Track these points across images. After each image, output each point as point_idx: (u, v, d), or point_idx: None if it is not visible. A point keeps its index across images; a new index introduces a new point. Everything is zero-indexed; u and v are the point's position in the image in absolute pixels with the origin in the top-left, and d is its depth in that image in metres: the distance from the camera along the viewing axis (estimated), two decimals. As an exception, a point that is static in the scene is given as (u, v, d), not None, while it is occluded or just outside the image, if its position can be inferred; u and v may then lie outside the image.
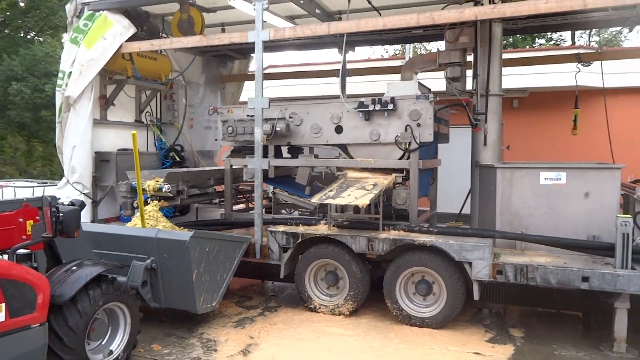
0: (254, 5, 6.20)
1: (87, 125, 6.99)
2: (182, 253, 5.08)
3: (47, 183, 10.51)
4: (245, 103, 6.52)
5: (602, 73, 7.60)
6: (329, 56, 19.78)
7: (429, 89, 6.82)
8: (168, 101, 8.75)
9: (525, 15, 5.55)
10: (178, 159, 8.39)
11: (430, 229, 5.80)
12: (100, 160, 7.37)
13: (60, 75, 7.06)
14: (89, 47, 6.88)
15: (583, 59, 7.64)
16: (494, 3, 6.35)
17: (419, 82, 6.59)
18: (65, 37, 7.65)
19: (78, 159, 6.98)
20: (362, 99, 6.34)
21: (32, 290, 3.67)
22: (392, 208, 6.46)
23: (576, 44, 9.77)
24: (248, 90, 10.59)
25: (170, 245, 5.14)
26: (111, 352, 4.37)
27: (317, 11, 7.88)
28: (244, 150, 7.26)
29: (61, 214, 3.91)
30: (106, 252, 5.17)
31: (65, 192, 6.94)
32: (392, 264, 5.72)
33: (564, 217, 5.59)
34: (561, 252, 5.45)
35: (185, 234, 5.12)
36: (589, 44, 9.85)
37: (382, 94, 6.43)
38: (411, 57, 10.60)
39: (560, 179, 5.62)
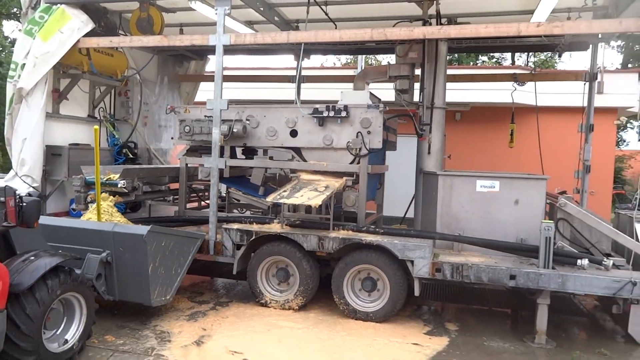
0: (216, 10, 6.41)
1: (39, 119, 6.92)
2: (138, 247, 5.21)
3: (-10, 175, 10.14)
4: (201, 103, 6.71)
5: (535, 92, 8.36)
6: (283, 61, 20.07)
7: (379, 99, 7.28)
8: (122, 98, 8.75)
9: (468, 37, 6.09)
10: (131, 156, 8.42)
11: (377, 230, 6.21)
12: (52, 154, 7.31)
13: (12, 66, 6.96)
14: (45, 40, 6.83)
15: (519, 79, 8.36)
16: (441, 24, 6.91)
17: (370, 92, 7.03)
18: (19, 28, 7.52)
19: (28, 151, 6.89)
20: (317, 106, 6.69)
21: (-11, 277, 3.73)
22: (342, 210, 6.82)
23: (515, 64, 10.62)
24: (203, 91, 10.76)
25: (127, 239, 5.25)
26: (66, 341, 4.45)
27: (276, 19, 8.18)
28: (199, 149, 7.42)
29: (24, 204, 3.98)
30: (61, 245, 5.20)
31: (13, 184, 6.79)
32: (340, 262, 6.08)
33: (497, 221, 6.15)
34: (494, 253, 6.00)
35: (143, 228, 5.26)
36: (527, 65, 10.71)
37: (335, 101, 6.81)
38: (363, 67, 11.08)
39: (494, 187, 6.19)
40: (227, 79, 9.35)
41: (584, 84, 7.99)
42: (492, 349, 5.31)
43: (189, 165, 7.41)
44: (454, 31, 5.59)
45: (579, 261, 5.49)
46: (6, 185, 3.91)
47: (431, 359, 4.95)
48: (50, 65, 6.86)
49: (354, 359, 4.85)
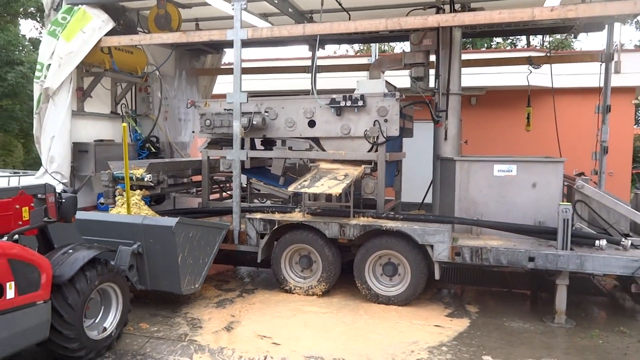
0: (233, 5, 6.54)
1: (65, 117, 7.17)
2: (168, 238, 5.44)
3: (19, 173, 10.49)
4: (219, 96, 6.87)
5: (551, 74, 8.35)
6: (297, 51, 20.12)
7: (395, 87, 7.37)
8: (143, 93, 8.95)
9: (482, 23, 6.13)
10: (154, 150, 8.64)
11: (396, 216, 6.35)
12: (79, 150, 7.56)
13: (38, 67, 7.20)
14: (68, 40, 7.05)
15: (534, 62, 8.36)
16: (454, 10, 6.95)
17: (386, 81, 7.13)
18: (36, 27, 7.74)
19: (57, 149, 7.15)
20: (334, 96, 6.81)
21: (36, 270, 3.97)
22: (361, 197, 6.97)
23: (530, 45, 10.55)
24: (220, 84, 10.93)
25: (157, 231, 5.48)
26: (105, 329, 4.70)
27: (290, 10, 8.27)
28: (220, 142, 7.61)
29: (63, 200, 4.21)
30: (94, 238, 5.44)
31: (44, 181, 7.10)
32: (361, 248, 6.24)
33: (514, 204, 6.24)
34: (512, 236, 6.10)
35: (171, 220, 5.47)
36: (542, 46, 10.64)
37: (350, 90, 6.91)
38: (377, 55, 11.13)
39: (511, 171, 6.27)
40: (243, 71, 9.56)
41: (600, 64, 7.95)
42: (512, 329, 5.45)
43: (210, 158, 7.61)
44: (467, 18, 5.65)
45: (597, 242, 5.58)
46: (46, 183, 4.13)
47: (453, 340, 5.11)
48: (74, 64, 7.08)
49: (377, 341, 5.03)
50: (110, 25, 7.28)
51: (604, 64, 7.86)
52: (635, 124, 14.66)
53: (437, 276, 5.94)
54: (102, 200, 7.29)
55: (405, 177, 8.36)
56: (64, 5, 7.27)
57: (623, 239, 5.65)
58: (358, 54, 18.25)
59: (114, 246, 5.29)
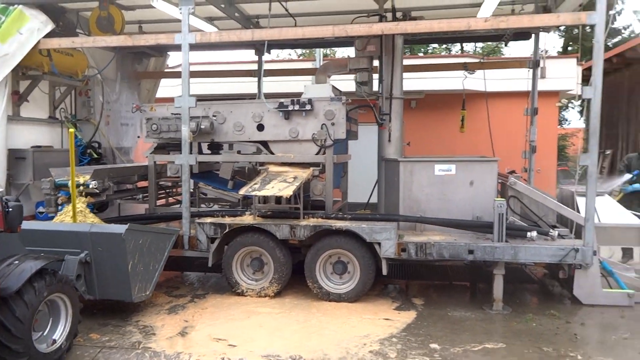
0: (180, 9, 6.52)
1: (0, 122, 6.87)
2: (118, 245, 5.36)
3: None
4: (163, 100, 6.82)
5: (484, 79, 8.91)
6: (241, 55, 20.06)
7: (340, 91, 7.62)
8: (83, 97, 8.70)
9: (423, 32, 6.49)
10: (96, 156, 8.42)
11: (345, 216, 6.58)
12: (15, 157, 7.25)
13: (-30, 70, 6.84)
14: (3, 42, 6.76)
15: (469, 68, 8.89)
16: (396, 18, 7.29)
17: (332, 85, 7.35)
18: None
19: (-9, 156, 6.85)
20: (282, 100, 6.94)
21: (-19, 282, 3.84)
22: (310, 199, 7.14)
23: (464, 51, 11.16)
24: (164, 87, 10.79)
25: (106, 239, 5.38)
26: (55, 341, 4.57)
27: (237, 15, 8.34)
28: (167, 146, 7.54)
29: (10, 209, 4.08)
30: (39, 248, 5.27)
31: None
32: (312, 248, 6.41)
33: (454, 201, 6.64)
34: (452, 231, 6.49)
35: (121, 227, 5.40)
36: (475, 52, 11.29)
37: (295, 94, 7.07)
38: (321, 59, 11.38)
39: (451, 170, 6.67)
40: (190, 74, 9.53)
41: (528, 70, 8.58)
42: (455, 318, 5.80)
43: (157, 163, 7.52)
44: (410, 27, 5.97)
45: (528, 233, 6.06)
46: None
47: (402, 331, 5.38)
48: (10, 67, 6.80)
49: (331, 336, 5.21)
50: (49, 26, 7.05)
51: (531, 70, 8.49)
52: (559, 125, 15.80)
53: (384, 272, 6.21)
54: (41, 209, 7.02)
55: (351, 178, 8.62)
56: (-3, 5, 6.96)
57: (551, 230, 6.17)
58: (300, 57, 18.47)
59: (61, 256, 5.16)
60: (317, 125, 6.91)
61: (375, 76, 7.77)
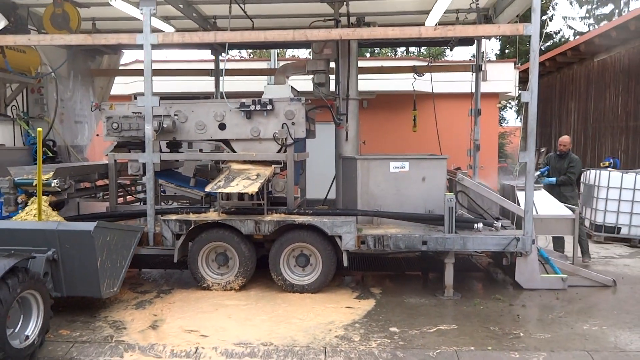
0: (142, 10, 6.59)
1: (-49, 120, 6.70)
2: (86, 242, 5.41)
3: None
4: (117, 98, 6.86)
5: (431, 82, 9.50)
6: (196, 53, 19.80)
7: (298, 92, 7.92)
8: (36, 95, 8.52)
9: (378, 38, 6.91)
10: (50, 154, 8.29)
11: (307, 211, 6.91)
12: (-33, 156, 7.07)
13: None
14: (-46, 38, 6.59)
15: (418, 70, 9.44)
16: (351, 23, 7.68)
17: (291, 86, 7.65)
18: None
19: (-60, 155, 6.65)
20: (244, 100, 7.16)
21: (-42, 281, 3.86)
22: (271, 195, 7.40)
23: (410, 55, 11.76)
24: (117, 84, 10.68)
25: (74, 236, 5.43)
26: (27, 337, 4.62)
27: (194, 15, 8.45)
28: (128, 145, 7.57)
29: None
30: (4, 247, 5.25)
31: None
32: (275, 243, 6.69)
33: (408, 196, 7.11)
34: (407, 224, 6.96)
35: (89, 224, 5.45)
36: (419, 55, 11.92)
37: (253, 93, 7.29)
38: (276, 59, 11.63)
39: (404, 167, 7.14)
40: (158, 73, 9.56)
41: (472, 73, 9.24)
42: (411, 304, 6.27)
43: (117, 161, 7.53)
44: (366, 33, 6.39)
45: (475, 225, 6.63)
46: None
47: (363, 317, 5.77)
48: (-39, 64, 6.63)
49: (298, 324, 5.52)
50: (2, 22, 6.93)
51: (474, 74, 9.15)
52: (499, 124, 16.84)
53: (345, 263, 6.59)
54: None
55: (308, 176, 8.95)
56: (-54, 0, 6.75)
57: (495, 222, 6.77)
58: (251, 56, 18.58)
59: (31, 253, 5.16)
60: (277, 125, 7.17)
61: (332, 77, 8.15)
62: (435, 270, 7.54)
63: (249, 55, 19.67)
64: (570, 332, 5.37)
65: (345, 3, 7.62)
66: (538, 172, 7.99)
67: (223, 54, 9.55)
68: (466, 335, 5.27)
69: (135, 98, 12.00)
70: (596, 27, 26.33)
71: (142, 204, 8.55)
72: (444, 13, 7.92)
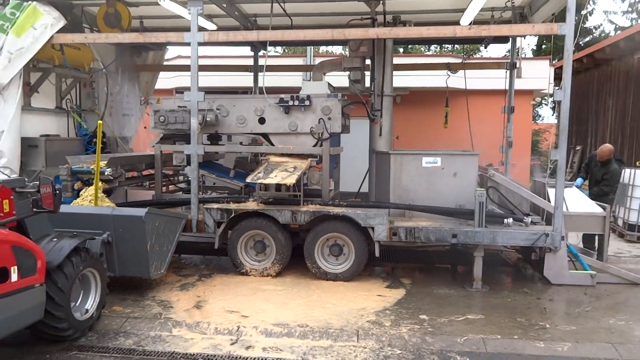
0: (189, 10, 6.99)
1: (16, 112, 7.26)
2: (138, 227, 5.88)
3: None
4: (161, 92, 7.25)
5: (465, 78, 9.62)
6: (234, 50, 20.18)
7: (334, 88, 8.20)
8: (88, 89, 9.08)
9: (414, 37, 7.12)
10: (101, 145, 8.81)
11: (342, 203, 7.21)
12: (28, 145, 7.64)
13: (-15, 61, 7.19)
14: (18, 36, 7.12)
15: (452, 67, 9.58)
16: (387, 21, 7.90)
17: (328, 82, 7.94)
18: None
19: (6, 144, 7.22)
20: (282, 96, 7.50)
21: (33, 256, 4.34)
22: (306, 187, 7.72)
23: (444, 51, 11.86)
24: (161, 79, 11.20)
25: (127, 221, 5.90)
26: (87, 311, 5.10)
27: (236, 13, 8.82)
28: (173, 137, 8.03)
29: (57, 192, 4.57)
30: (64, 229, 5.75)
31: (-8, 175, 7.16)
32: (311, 232, 7.02)
33: (440, 191, 7.32)
34: (438, 217, 7.18)
35: (141, 211, 5.92)
36: (453, 52, 12.01)
37: (289, 88, 7.56)
38: (312, 56, 11.94)
39: (436, 162, 7.35)
40: (187, 68, 9.99)
41: (506, 71, 9.32)
42: (440, 295, 6.51)
43: (162, 152, 8.00)
44: (402, 32, 6.62)
45: (505, 220, 6.79)
46: (41, 175, 4.44)
47: (394, 305, 6.06)
48: (25, 60, 7.17)
49: (332, 309, 5.85)
50: (61, 22, 7.43)
51: (508, 71, 9.23)
52: (533, 121, 16.70)
53: (377, 254, 6.88)
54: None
55: (342, 169, 9.24)
56: (11, 0, 7.30)
57: (525, 218, 6.92)
58: (286, 52, 18.92)
59: (91, 235, 5.64)
60: (314, 120, 7.48)
61: (367, 74, 8.40)
62: (464, 263, 7.75)
63: (284, 51, 20.04)
64: (596, 325, 5.51)
65: (381, 2, 7.84)
66: (574, 184, 8.03)
67: (262, 51, 9.90)
68: (493, 324, 5.49)
69: (177, 92, 12.61)
70: (639, 21, 25.62)
71: (183, 193, 9.04)
72: (480, 11, 8.04)
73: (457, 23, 8.81)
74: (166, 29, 9.88)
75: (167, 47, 10.65)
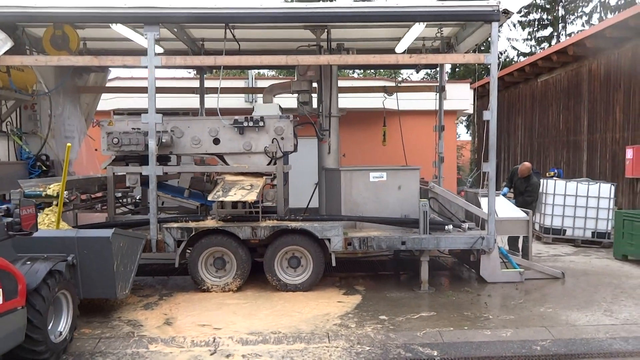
0: (146, 35, 7.19)
1: (-42, 136, 7.02)
2: (104, 248, 5.92)
3: None
4: (103, 114, 7.25)
5: (397, 101, 10.47)
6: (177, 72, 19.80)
7: (282, 109, 8.67)
8: (29, 111, 8.86)
9: (361, 64, 7.79)
10: (45, 168, 8.63)
11: (298, 217, 7.64)
12: (-30, 170, 7.37)
13: None
14: (-38, 58, 6.94)
15: (388, 90, 10.43)
16: (331, 48, 8.55)
17: (279, 105, 8.41)
18: None
19: (-53, 169, 6.95)
20: (237, 117, 7.85)
21: (14, 279, 4.35)
22: (259, 204, 8.06)
23: (377, 75, 12.75)
24: (101, 100, 11.09)
25: (92, 242, 5.92)
26: (61, 333, 5.10)
27: (185, 37, 9.07)
28: (126, 159, 8.06)
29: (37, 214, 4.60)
30: (27, 253, 5.67)
31: None
32: (270, 247, 7.36)
33: (386, 203, 7.98)
34: (386, 227, 7.82)
35: (107, 231, 5.98)
36: (388, 77, 12.96)
37: (232, 109, 7.94)
38: (253, 78, 12.37)
39: (383, 177, 8.02)
40: (137, 90, 10.05)
41: (435, 93, 10.31)
42: (393, 298, 7.09)
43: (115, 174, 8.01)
44: (350, 59, 7.27)
45: (446, 227, 7.57)
46: (22, 198, 4.44)
47: (354, 309, 6.54)
48: (-31, 83, 6.98)
49: (298, 316, 6.22)
50: (9, 44, 7.27)
51: (438, 94, 10.22)
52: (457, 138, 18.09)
53: (333, 263, 7.35)
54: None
55: (290, 186, 9.67)
56: (-46, 21, 7.09)
57: (462, 224, 7.73)
58: (226, 75, 19.12)
59: (63, 258, 5.59)
60: (268, 140, 7.90)
61: (313, 96, 8.97)
62: (406, 270, 8.45)
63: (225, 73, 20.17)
64: (530, 314, 6.34)
65: (326, 30, 8.48)
66: (501, 193, 9.08)
67: (209, 74, 10.17)
68: (445, 319, 6.15)
69: (116, 114, 12.46)
70: (537, 48, 28.61)
71: (132, 214, 9.01)
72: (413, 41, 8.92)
73: (392, 50, 9.67)
74: (109, 51, 9.88)
75: (110, 69, 10.59)
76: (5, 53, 7.28)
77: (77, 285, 5.96)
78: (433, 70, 16.46)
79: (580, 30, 26.34)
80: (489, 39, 7.28)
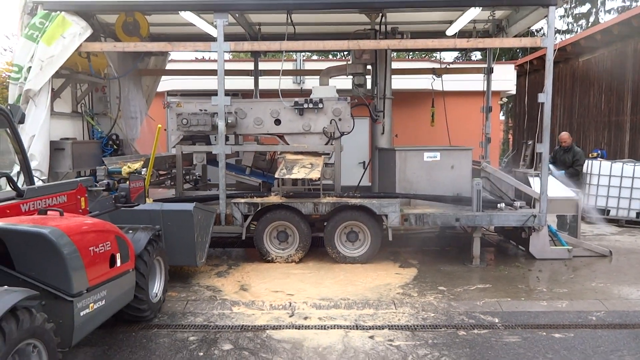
0: (215, 21, 7.63)
1: (46, 117, 7.60)
2: (187, 220, 6.50)
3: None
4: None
5: (441, 82, 10.70)
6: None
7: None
8: (99, 93, 9.46)
9: (420, 48, 8.09)
10: (115, 147, 9.26)
11: (357, 194, 8.08)
12: (55, 148, 8.00)
13: (15, 69, 7.52)
14: (49, 45, 7.49)
15: (437, 72, 10.67)
16: (387, 31, 8.84)
17: (335, 87, 8.79)
18: (18, 33, 7.96)
19: (37, 147, 7.55)
20: (297, 99, 8.28)
21: (127, 245, 4.92)
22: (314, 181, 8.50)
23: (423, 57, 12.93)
24: (165, 81, 11.68)
25: (176, 215, 6.50)
26: (156, 295, 5.70)
27: (244, 22, 9.49)
28: (192, 138, 8.61)
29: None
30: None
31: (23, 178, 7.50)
32: (330, 221, 7.83)
33: (439, 182, 8.32)
34: (439, 205, 8.19)
35: (189, 205, 6.55)
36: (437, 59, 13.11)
37: (284, 90, 8.28)
38: (302, 60, 12.74)
39: (436, 157, 8.35)
40: (201, 73, 10.57)
41: (483, 75, 10.50)
42: (447, 271, 7.50)
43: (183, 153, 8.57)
44: (409, 43, 7.58)
45: (498, 205, 7.89)
46: (132, 172, 4.99)
47: (413, 280, 6.99)
48: (56, 67, 7.53)
49: (362, 285, 6.71)
50: (89, 31, 7.83)
51: (485, 75, 10.41)
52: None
53: (390, 238, 7.79)
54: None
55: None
56: (40, 10, 7.65)
57: (514, 202, 8.05)
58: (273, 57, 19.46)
59: (158, 228, 6.14)
60: (326, 121, 8.32)
61: (367, 78, 9.30)
62: (451, 246, 8.82)
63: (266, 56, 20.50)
64: (582, 287, 6.68)
65: (381, 14, 8.76)
66: (554, 174, 9.31)
67: (268, 57, 10.58)
68: (501, 291, 6.54)
69: (169, 95, 13.01)
70: (575, 25, 28.02)
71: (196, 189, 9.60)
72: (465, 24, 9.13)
73: (442, 32, 9.89)
74: (170, 35, 10.38)
75: (170, 52, 11.11)
76: (86, 40, 7.84)
77: (163, 254, 6.59)
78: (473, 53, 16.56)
79: (620, 7, 25.68)
80: (544, 22, 7.45)
